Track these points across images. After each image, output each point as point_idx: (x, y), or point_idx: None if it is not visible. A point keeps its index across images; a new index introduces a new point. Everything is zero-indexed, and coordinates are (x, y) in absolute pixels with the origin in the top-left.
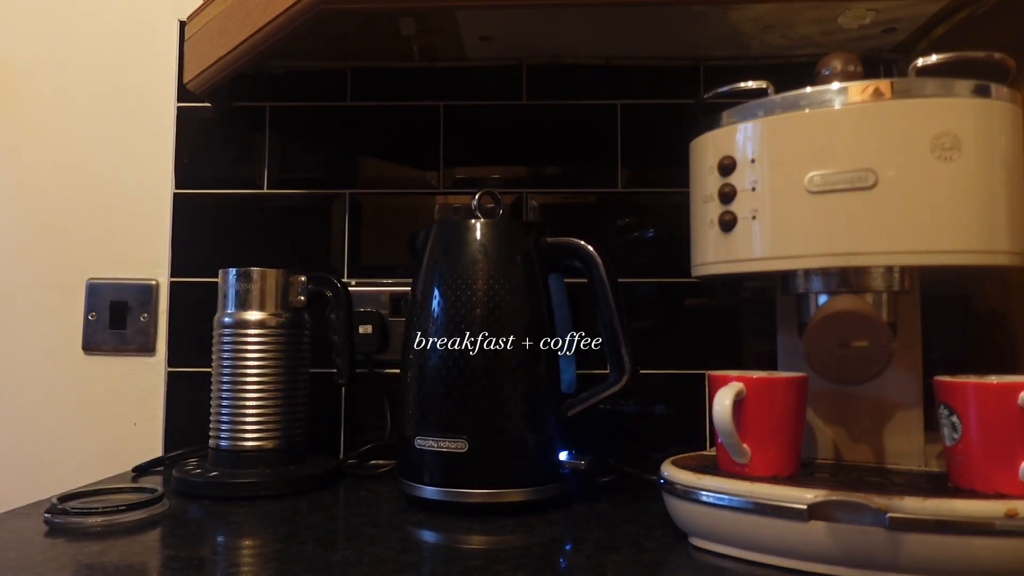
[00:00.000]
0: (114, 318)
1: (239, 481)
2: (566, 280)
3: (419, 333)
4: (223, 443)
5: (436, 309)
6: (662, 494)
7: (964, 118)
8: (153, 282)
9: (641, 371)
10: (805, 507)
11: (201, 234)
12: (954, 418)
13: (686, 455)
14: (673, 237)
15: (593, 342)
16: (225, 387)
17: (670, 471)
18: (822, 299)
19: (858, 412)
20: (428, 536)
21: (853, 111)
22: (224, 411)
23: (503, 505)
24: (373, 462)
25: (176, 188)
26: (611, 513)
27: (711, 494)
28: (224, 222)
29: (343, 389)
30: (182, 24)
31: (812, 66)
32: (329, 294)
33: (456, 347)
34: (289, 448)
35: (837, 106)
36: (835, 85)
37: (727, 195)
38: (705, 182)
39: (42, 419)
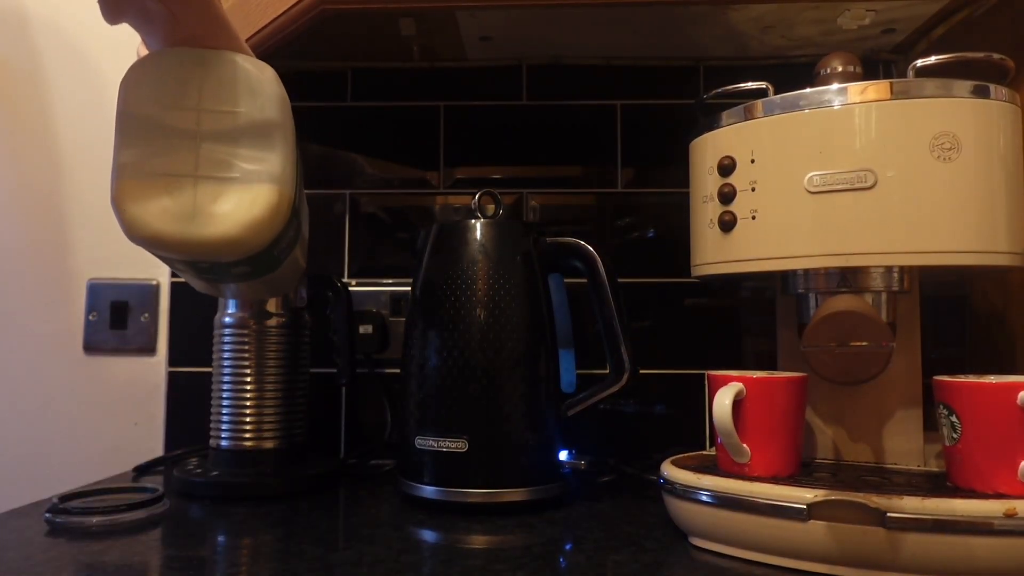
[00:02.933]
0: (115, 318)
1: (239, 481)
2: (566, 280)
3: (419, 333)
4: (223, 443)
5: (436, 309)
6: (662, 494)
7: (963, 118)
8: (154, 282)
9: (641, 371)
10: (805, 507)
11: None
12: (953, 418)
13: (686, 455)
14: (673, 237)
15: (593, 342)
16: (225, 387)
17: (670, 471)
18: (822, 299)
19: (858, 412)
20: (428, 536)
21: (853, 111)
22: (224, 411)
23: (503, 505)
24: (373, 462)
25: None
26: (611, 513)
27: (711, 494)
28: None
29: (343, 389)
30: None
31: (812, 66)
32: (329, 294)
33: (456, 347)
34: (289, 448)
35: (837, 106)
36: (835, 85)
37: (727, 195)
38: (705, 182)
39: (43, 419)
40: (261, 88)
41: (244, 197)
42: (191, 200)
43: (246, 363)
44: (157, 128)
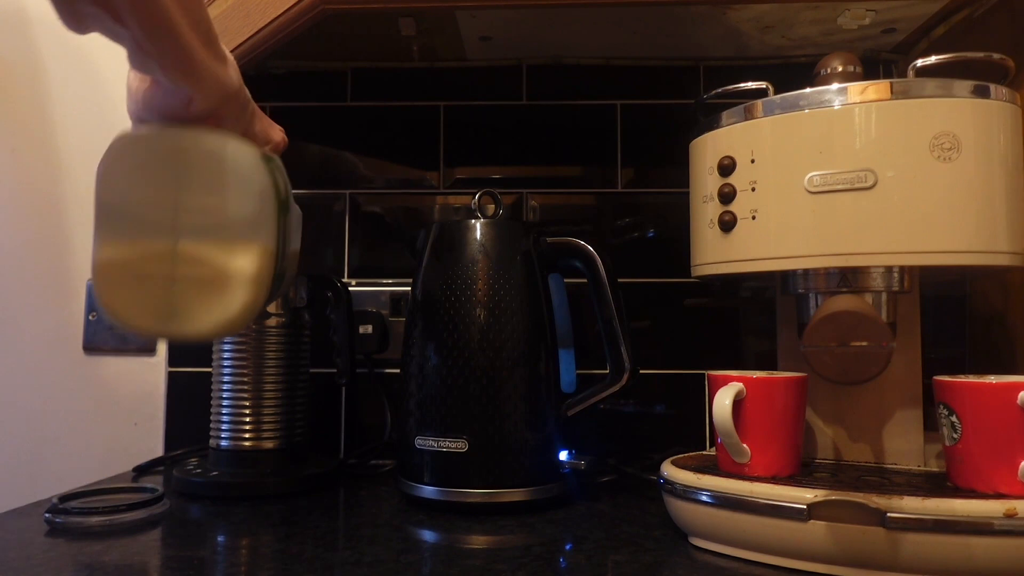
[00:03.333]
0: None
1: (239, 481)
2: (566, 280)
3: (419, 333)
4: (223, 443)
5: (436, 309)
6: (662, 494)
7: (963, 118)
8: None
9: (641, 371)
10: (805, 507)
11: None
12: (953, 418)
13: (686, 455)
14: (673, 237)
15: (593, 342)
16: (225, 387)
17: (670, 471)
18: (822, 299)
19: (858, 412)
20: (428, 536)
21: (853, 111)
22: (224, 411)
23: (503, 505)
24: (373, 462)
25: None
26: (611, 513)
27: (711, 494)
28: None
29: (343, 389)
30: None
31: (812, 66)
32: (329, 294)
33: (456, 347)
34: (289, 448)
35: (837, 106)
36: (835, 85)
37: (727, 195)
38: (705, 182)
39: (43, 419)
40: (241, 183)
41: (221, 299)
42: (169, 300)
43: (246, 363)
44: (134, 223)
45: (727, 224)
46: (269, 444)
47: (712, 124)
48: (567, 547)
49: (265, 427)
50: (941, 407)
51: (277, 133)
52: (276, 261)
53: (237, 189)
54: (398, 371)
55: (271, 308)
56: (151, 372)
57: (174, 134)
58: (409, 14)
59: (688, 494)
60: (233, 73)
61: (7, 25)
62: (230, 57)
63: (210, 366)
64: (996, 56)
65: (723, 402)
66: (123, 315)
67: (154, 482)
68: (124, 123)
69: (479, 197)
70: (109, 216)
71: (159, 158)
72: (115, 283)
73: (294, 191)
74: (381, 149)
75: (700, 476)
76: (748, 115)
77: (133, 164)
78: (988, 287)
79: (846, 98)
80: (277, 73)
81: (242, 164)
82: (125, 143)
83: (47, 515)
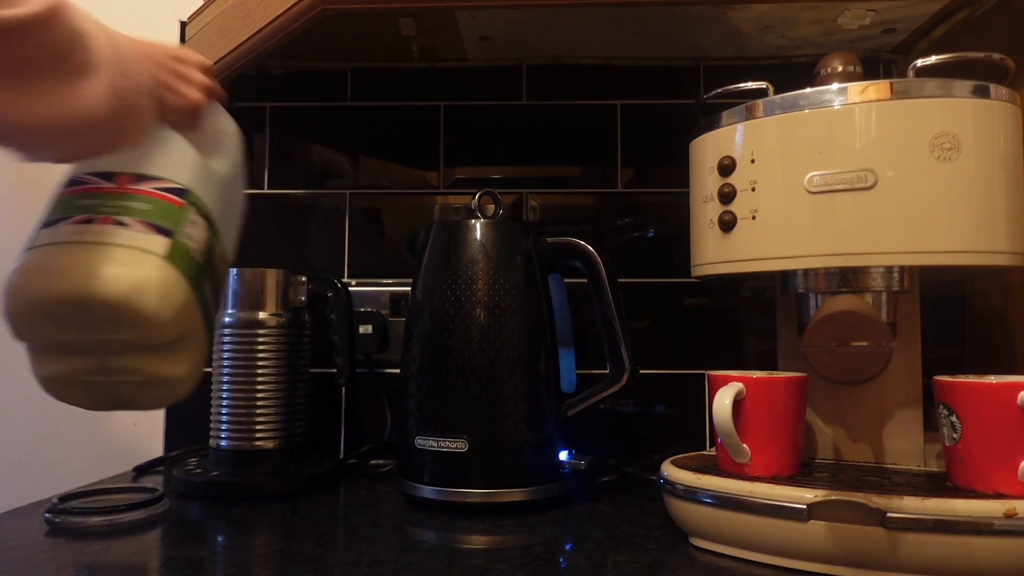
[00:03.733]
0: None
1: (239, 481)
2: (566, 280)
3: (419, 333)
4: (223, 443)
5: (436, 309)
6: (662, 494)
7: (963, 118)
8: None
9: (641, 371)
10: (805, 507)
11: None
12: (953, 418)
13: (686, 455)
14: (673, 237)
15: (593, 342)
16: (225, 387)
17: (670, 471)
18: (822, 299)
19: (858, 412)
20: (428, 536)
21: (853, 111)
22: (224, 411)
23: (503, 505)
24: (373, 462)
25: None
26: (611, 513)
27: (711, 494)
28: None
29: (343, 389)
30: (183, 24)
31: (812, 66)
32: (329, 294)
33: (456, 347)
34: (289, 448)
35: (837, 106)
36: (835, 85)
37: (727, 195)
38: (705, 182)
39: (42, 419)
40: (150, 320)
41: (162, 391)
42: (114, 394)
43: (246, 363)
44: (58, 349)
45: (727, 224)
46: (269, 444)
47: (712, 124)
48: (567, 547)
49: (265, 427)
50: (941, 407)
51: (193, 91)
52: (207, 339)
53: (146, 327)
54: (398, 371)
55: (271, 308)
56: None
57: (70, 283)
58: (409, 14)
59: (688, 494)
60: (99, 85)
61: None
62: (106, 61)
63: (210, 366)
64: (996, 56)
65: (723, 402)
66: (77, 405)
67: (154, 482)
68: None
69: (479, 197)
70: (31, 345)
71: (60, 313)
72: (59, 387)
73: (293, 191)
74: (381, 149)
75: (700, 476)
76: (748, 115)
77: (36, 317)
78: (988, 287)
79: (846, 98)
80: (277, 73)
81: (147, 304)
82: (22, 299)
83: (47, 515)
